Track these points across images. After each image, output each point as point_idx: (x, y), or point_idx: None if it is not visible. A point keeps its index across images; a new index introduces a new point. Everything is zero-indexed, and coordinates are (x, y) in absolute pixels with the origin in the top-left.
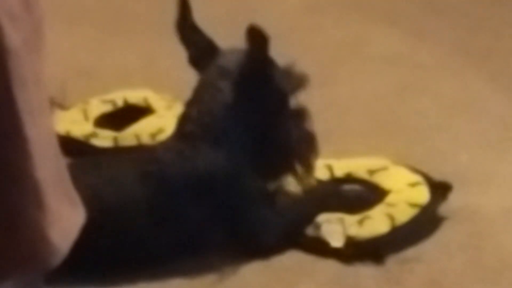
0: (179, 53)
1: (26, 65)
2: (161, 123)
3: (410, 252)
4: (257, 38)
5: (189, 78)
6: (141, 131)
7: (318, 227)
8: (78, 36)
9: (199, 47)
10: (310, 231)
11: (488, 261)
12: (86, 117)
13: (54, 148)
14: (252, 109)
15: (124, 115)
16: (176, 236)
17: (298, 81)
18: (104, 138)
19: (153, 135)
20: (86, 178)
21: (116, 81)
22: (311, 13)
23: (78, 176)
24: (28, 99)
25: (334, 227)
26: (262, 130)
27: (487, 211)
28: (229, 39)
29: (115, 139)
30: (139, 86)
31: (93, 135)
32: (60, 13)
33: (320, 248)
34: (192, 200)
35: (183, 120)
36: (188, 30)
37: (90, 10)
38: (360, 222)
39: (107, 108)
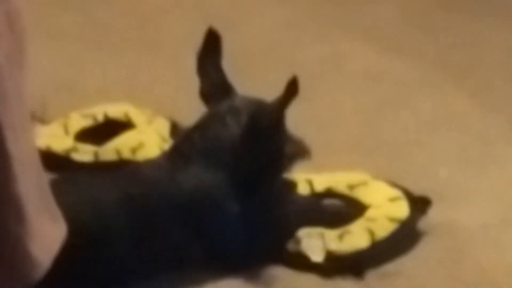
0: (160, 68)
1: (8, 81)
2: (142, 138)
3: (390, 267)
4: (292, 91)
5: (169, 93)
6: (121, 146)
7: (298, 241)
8: (58, 51)
9: (214, 83)
10: (290, 246)
11: (467, 276)
12: (66, 132)
13: (35, 164)
14: (248, 152)
15: (104, 130)
16: (156, 257)
17: (299, 151)
18: (85, 153)
19: (134, 150)
20: (65, 198)
21: (96, 96)
22: (291, 29)
23: (57, 196)
24: (10, 115)
25: (314, 242)
26: (252, 177)
27: (466, 226)
28: None
29: (96, 154)
30: (120, 100)
31: (74, 149)
32: (40, 28)
33: (300, 262)
34: (174, 222)
35: (183, 142)
36: (208, 64)
37: (70, 25)
38: (340, 237)
39: (87, 122)
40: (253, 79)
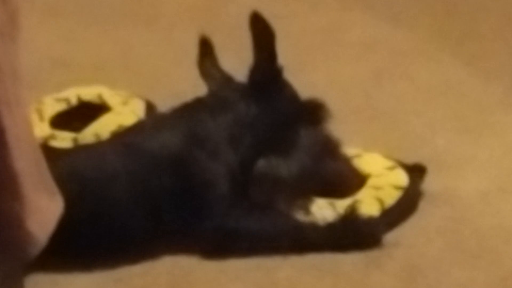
0: (155, 42)
1: (2, 56)
2: (120, 120)
3: (388, 237)
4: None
5: (165, 68)
6: (100, 130)
7: (309, 213)
8: (54, 27)
9: (218, 83)
10: (301, 218)
11: (466, 245)
12: (41, 118)
13: (31, 139)
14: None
15: (79, 113)
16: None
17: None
18: (63, 140)
19: (113, 133)
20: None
21: (92, 71)
22: (288, 0)
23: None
24: (5, 90)
25: (326, 212)
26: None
27: (464, 195)
28: (206, 26)
29: (75, 140)
30: (116, 75)
31: (52, 137)
32: (36, 3)
33: None
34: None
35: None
36: (208, 67)
37: (65, 1)
38: (351, 206)
39: (61, 106)
40: (251, 51)
